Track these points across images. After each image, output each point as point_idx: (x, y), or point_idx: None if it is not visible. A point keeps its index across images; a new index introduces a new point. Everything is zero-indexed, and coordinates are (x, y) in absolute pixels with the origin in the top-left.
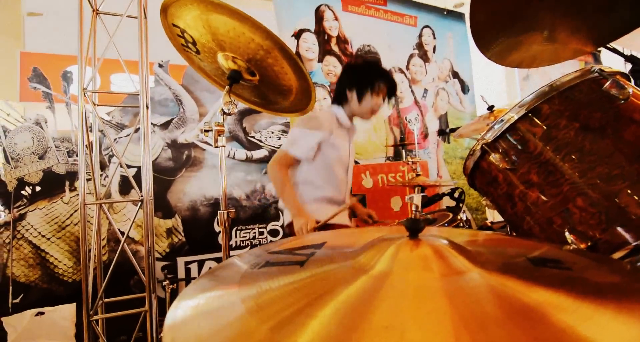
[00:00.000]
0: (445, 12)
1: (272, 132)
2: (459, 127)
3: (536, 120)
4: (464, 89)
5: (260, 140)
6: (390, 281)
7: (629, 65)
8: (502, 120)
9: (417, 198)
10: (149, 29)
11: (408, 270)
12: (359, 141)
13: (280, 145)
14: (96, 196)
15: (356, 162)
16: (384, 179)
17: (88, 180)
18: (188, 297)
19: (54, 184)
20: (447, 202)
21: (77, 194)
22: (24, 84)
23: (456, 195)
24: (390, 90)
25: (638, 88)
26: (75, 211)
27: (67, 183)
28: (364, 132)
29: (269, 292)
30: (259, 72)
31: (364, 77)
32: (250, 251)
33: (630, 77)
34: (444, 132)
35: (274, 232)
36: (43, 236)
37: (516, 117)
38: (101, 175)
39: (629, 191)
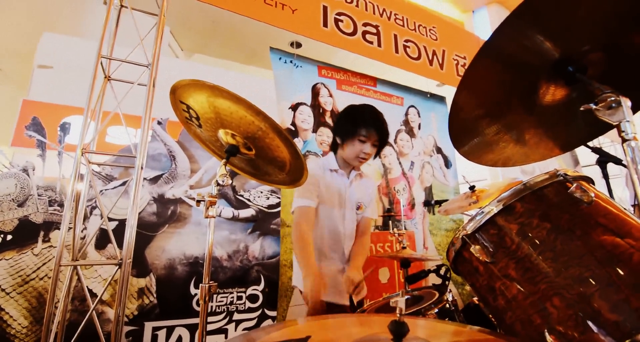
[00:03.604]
0: (428, 95)
1: (262, 192)
2: (444, 200)
3: (511, 217)
4: (447, 163)
5: (248, 200)
6: None
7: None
8: (482, 213)
9: (402, 302)
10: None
11: None
12: None
13: (269, 205)
14: (73, 255)
15: None
16: (372, 249)
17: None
18: None
19: (27, 234)
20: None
21: (50, 246)
22: (19, 130)
23: (442, 272)
24: (382, 137)
25: (601, 192)
26: (44, 265)
27: (41, 233)
28: None
29: None
30: (255, 148)
31: (350, 123)
32: (235, 340)
33: (598, 167)
34: (429, 204)
35: (253, 298)
36: (3, 290)
37: (495, 211)
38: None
39: (600, 295)
